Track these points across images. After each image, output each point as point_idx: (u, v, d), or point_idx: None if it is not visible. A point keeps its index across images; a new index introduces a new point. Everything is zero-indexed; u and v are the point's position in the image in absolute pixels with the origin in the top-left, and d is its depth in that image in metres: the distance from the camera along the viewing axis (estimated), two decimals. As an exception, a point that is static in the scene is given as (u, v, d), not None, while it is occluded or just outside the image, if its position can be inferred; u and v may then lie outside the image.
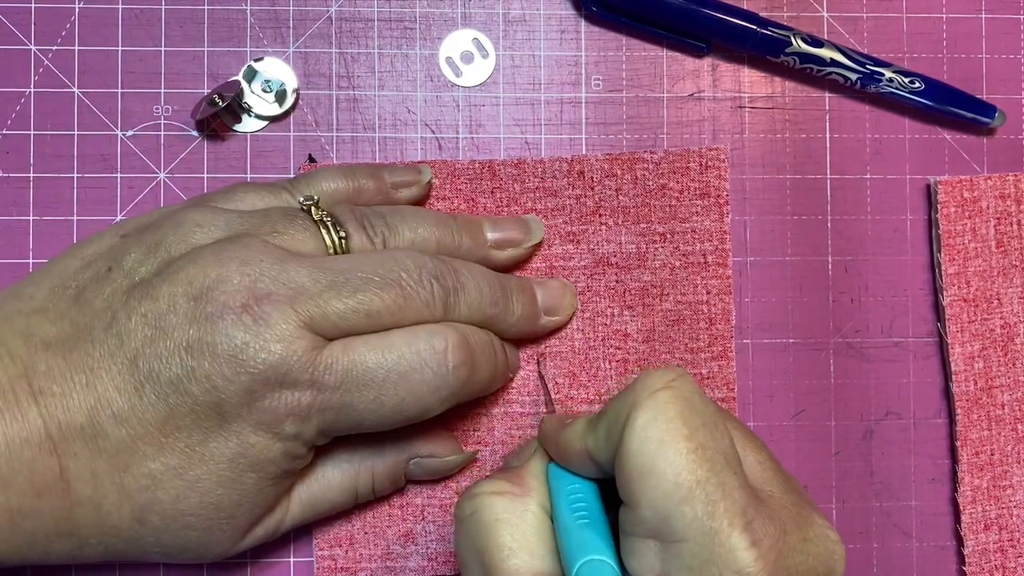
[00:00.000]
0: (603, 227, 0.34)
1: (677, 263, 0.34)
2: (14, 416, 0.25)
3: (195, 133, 0.34)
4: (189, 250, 0.27)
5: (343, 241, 0.29)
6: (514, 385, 0.33)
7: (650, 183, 0.34)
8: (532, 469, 0.27)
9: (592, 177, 0.34)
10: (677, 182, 0.34)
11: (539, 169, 0.34)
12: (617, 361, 0.33)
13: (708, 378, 0.33)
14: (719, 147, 0.34)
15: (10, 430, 0.25)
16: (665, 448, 0.22)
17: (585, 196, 0.34)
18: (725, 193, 0.34)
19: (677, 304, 0.34)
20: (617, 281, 0.34)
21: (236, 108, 0.34)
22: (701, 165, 0.34)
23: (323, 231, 0.29)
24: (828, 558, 0.25)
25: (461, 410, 0.33)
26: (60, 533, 0.26)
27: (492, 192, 0.33)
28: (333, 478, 0.31)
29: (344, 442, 0.30)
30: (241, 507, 0.27)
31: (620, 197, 0.34)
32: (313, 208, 0.29)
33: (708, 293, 0.34)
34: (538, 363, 0.33)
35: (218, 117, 0.34)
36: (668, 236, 0.34)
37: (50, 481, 0.25)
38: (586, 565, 0.23)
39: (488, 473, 0.33)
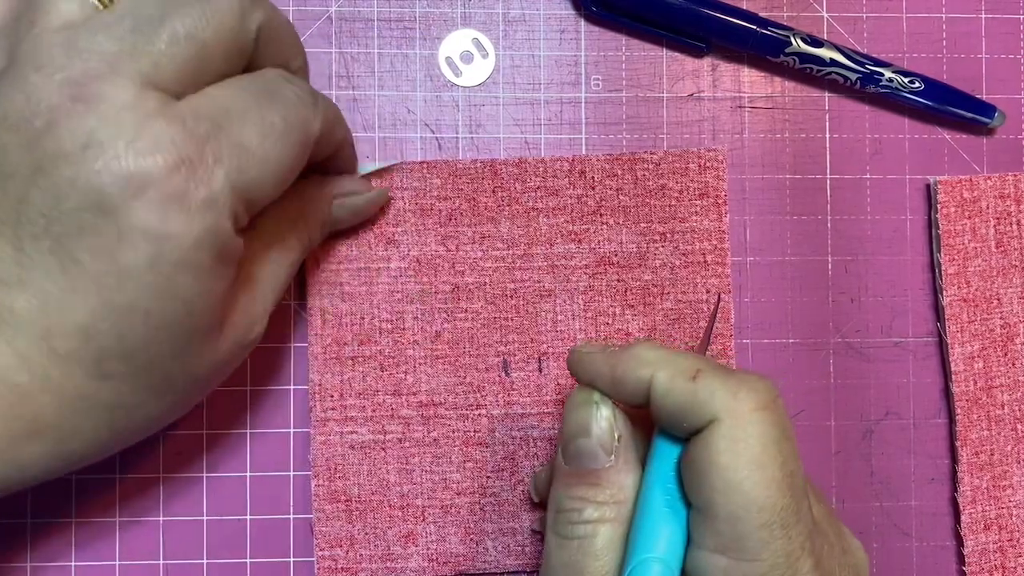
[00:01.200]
0: (604, 226, 0.34)
1: (677, 262, 0.34)
2: None
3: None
4: None
5: None
6: (514, 386, 0.33)
7: (650, 183, 0.34)
8: (628, 478, 0.25)
9: (593, 177, 0.34)
10: (676, 182, 0.34)
11: (540, 168, 0.34)
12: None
13: None
14: (717, 148, 0.34)
15: None
16: (759, 472, 0.22)
17: (586, 196, 0.34)
18: (723, 193, 0.34)
19: (677, 303, 0.34)
20: (618, 280, 0.34)
21: None
22: (700, 166, 0.34)
23: None
24: (860, 567, 0.26)
25: (462, 411, 0.33)
26: (18, 435, 0.23)
27: (494, 191, 0.33)
28: (281, 257, 0.29)
29: (277, 211, 0.29)
30: (194, 315, 0.24)
31: (621, 197, 0.34)
32: None
33: (708, 292, 0.34)
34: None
35: None
36: (668, 236, 0.34)
37: None
38: (640, 565, 0.23)
39: (488, 475, 0.33)
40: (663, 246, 0.34)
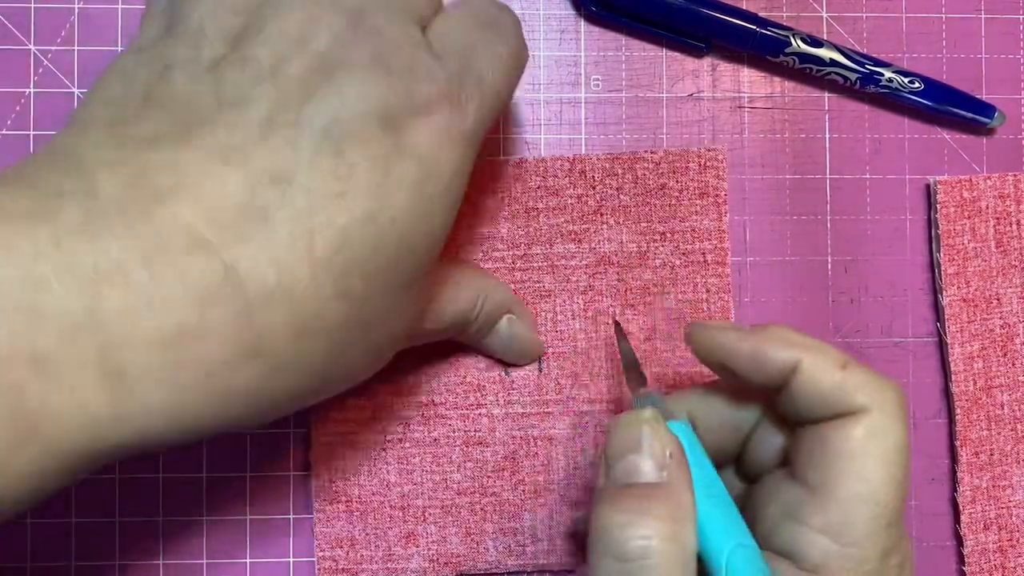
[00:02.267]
0: (604, 226, 0.34)
1: (677, 262, 0.34)
2: (141, 221, 0.20)
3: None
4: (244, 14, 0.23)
5: None
6: (515, 385, 0.33)
7: (650, 182, 0.34)
8: (685, 484, 0.24)
9: (593, 176, 0.34)
10: (677, 181, 0.34)
11: (541, 168, 0.34)
12: (618, 360, 0.33)
13: (708, 376, 0.33)
14: (717, 148, 0.34)
15: (143, 240, 0.20)
16: (887, 468, 0.24)
17: (586, 195, 0.34)
18: (723, 193, 0.34)
19: (677, 303, 0.34)
20: (619, 280, 0.34)
21: None
22: (700, 165, 0.34)
23: None
24: (912, 557, 0.27)
25: (462, 410, 0.33)
26: (237, 354, 0.21)
27: (494, 192, 0.33)
28: (462, 298, 0.30)
29: (467, 270, 0.31)
30: (431, 249, 0.24)
31: (621, 196, 0.34)
32: None
33: (708, 292, 0.34)
34: (615, 327, 0.32)
35: None
36: (668, 235, 0.34)
37: (213, 284, 0.20)
38: (735, 552, 0.24)
39: (488, 474, 0.33)
40: (663, 245, 0.34)
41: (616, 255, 0.34)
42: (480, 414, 0.33)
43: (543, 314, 0.33)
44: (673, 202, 0.34)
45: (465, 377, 0.33)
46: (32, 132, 0.34)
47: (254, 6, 0.23)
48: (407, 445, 0.33)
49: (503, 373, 0.33)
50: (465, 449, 0.33)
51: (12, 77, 0.34)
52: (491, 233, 0.33)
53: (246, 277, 0.20)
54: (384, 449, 0.33)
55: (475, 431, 0.33)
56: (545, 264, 0.34)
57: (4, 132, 0.34)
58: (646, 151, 0.34)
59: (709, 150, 0.34)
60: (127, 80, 0.23)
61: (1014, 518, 0.34)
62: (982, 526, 0.34)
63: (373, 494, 0.33)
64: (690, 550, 0.23)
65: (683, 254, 0.34)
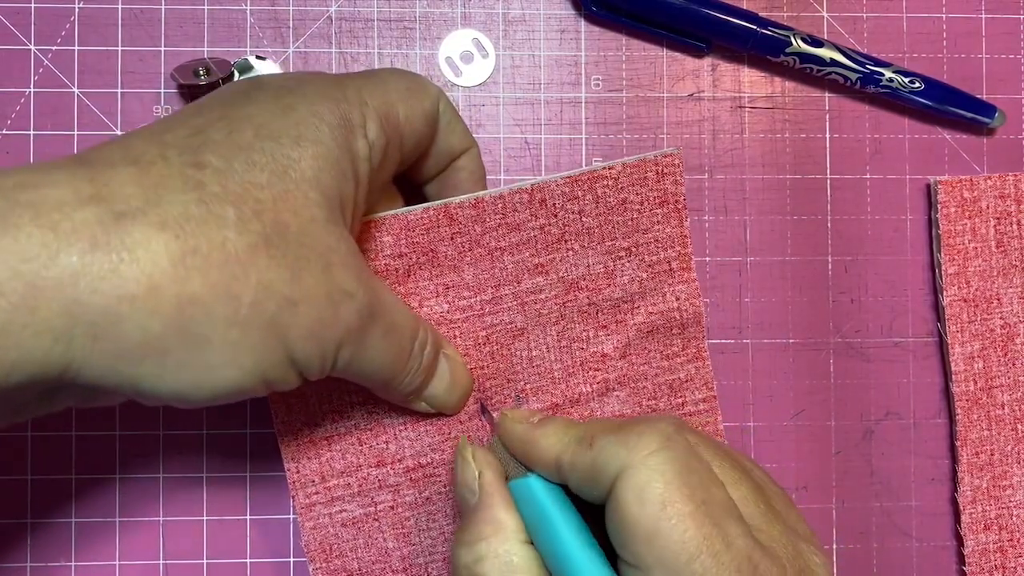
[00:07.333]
0: (570, 252, 0.32)
1: (644, 275, 0.32)
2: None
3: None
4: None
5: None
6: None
7: (611, 199, 0.32)
8: (496, 500, 0.27)
9: (554, 204, 0.32)
10: (637, 194, 0.32)
11: (499, 205, 0.31)
12: (597, 383, 0.32)
13: (687, 381, 0.33)
14: (673, 152, 0.32)
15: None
16: (668, 510, 0.23)
17: (549, 224, 0.32)
18: (682, 198, 0.32)
19: (649, 315, 0.33)
20: (589, 303, 0.32)
21: None
22: (658, 173, 0.32)
23: None
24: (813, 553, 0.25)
25: (451, 465, 0.32)
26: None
27: (452, 238, 0.31)
28: (400, 326, 0.28)
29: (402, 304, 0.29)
30: (347, 199, 0.26)
31: (584, 219, 0.32)
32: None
33: (678, 300, 0.33)
34: (481, 408, 0.32)
35: (198, 90, 0.34)
36: (633, 249, 0.32)
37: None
38: None
39: None
40: (628, 261, 0.32)
41: (584, 279, 0.32)
42: None
43: (518, 353, 0.32)
44: (635, 215, 0.32)
45: (450, 434, 0.32)
46: (32, 132, 0.34)
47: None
48: (400, 510, 0.32)
49: (482, 418, 0.32)
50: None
51: (12, 77, 0.34)
52: (455, 282, 0.31)
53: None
54: (377, 519, 0.32)
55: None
56: (515, 303, 0.32)
57: (4, 132, 0.34)
58: (604, 167, 0.32)
59: (665, 156, 0.32)
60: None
61: (1014, 518, 0.34)
62: (982, 526, 0.34)
63: (374, 563, 0.32)
64: (518, 563, 0.25)
65: (649, 266, 0.32)
